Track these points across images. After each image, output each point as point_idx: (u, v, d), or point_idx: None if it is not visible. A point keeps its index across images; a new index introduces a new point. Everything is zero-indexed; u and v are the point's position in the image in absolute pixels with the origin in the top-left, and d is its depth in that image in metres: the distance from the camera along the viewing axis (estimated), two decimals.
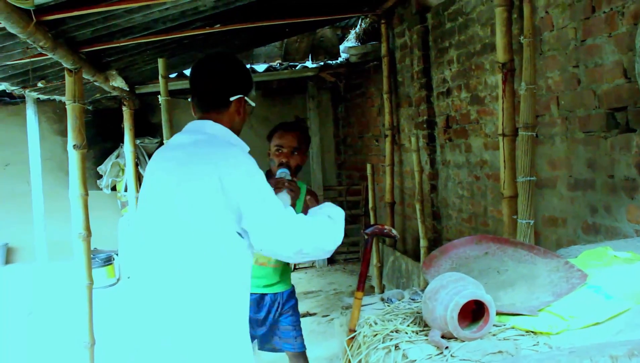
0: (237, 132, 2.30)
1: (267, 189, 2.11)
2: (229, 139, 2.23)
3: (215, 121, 2.24)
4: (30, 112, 6.95)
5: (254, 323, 3.12)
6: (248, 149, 2.27)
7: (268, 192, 2.10)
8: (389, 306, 2.21)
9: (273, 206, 2.08)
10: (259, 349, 3.40)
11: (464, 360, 1.62)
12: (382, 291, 5.68)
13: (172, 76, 7.37)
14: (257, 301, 3.22)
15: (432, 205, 6.16)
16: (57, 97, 6.45)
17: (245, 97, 2.28)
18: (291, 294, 3.39)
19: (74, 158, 4.03)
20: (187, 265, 2.06)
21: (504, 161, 3.64)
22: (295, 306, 3.41)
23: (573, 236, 3.68)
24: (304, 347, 3.37)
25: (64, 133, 8.35)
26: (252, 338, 3.09)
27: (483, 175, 5.04)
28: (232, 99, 2.24)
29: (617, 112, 3.23)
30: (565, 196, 3.77)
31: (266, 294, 3.27)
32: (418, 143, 6.02)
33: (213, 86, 2.26)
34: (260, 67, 8.37)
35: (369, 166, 6.87)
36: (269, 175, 3.08)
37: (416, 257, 6.29)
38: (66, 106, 4.02)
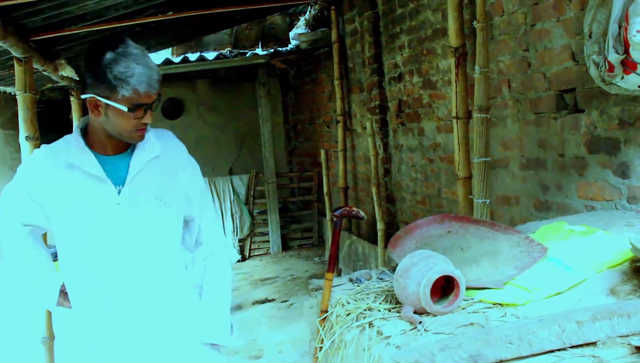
0: (115, 136, 2.05)
1: None
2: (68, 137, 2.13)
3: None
4: None
5: None
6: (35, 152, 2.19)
7: None
8: (358, 286, 2.27)
9: None
10: None
11: (437, 333, 1.69)
12: (339, 275, 5.76)
13: None
14: None
15: (386, 189, 6.26)
16: (0, 88, 6.28)
17: (99, 98, 1.94)
18: None
19: (26, 149, 3.93)
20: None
21: (458, 144, 3.74)
22: None
23: (526, 214, 3.82)
24: None
25: (5, 125, 8.14)
26: None
27: (436, 158, 5.15)
28: (83, 97, 1.99)
29: (566, 93, 3.36)
30: (517, 176, 3.90)
31: None
32: (372, 127, 6.09)
33: None
34: (211, 55, 8.30)
35: (322, 152, 6.94)
36: None
37: (372, 240, 6.39)
38: (17, 97, 3.92)
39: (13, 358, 4.93)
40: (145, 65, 1.93)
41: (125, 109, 1.92)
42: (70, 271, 2.15)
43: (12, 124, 7.57)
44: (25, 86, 3.88)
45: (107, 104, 1.93)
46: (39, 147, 3.86)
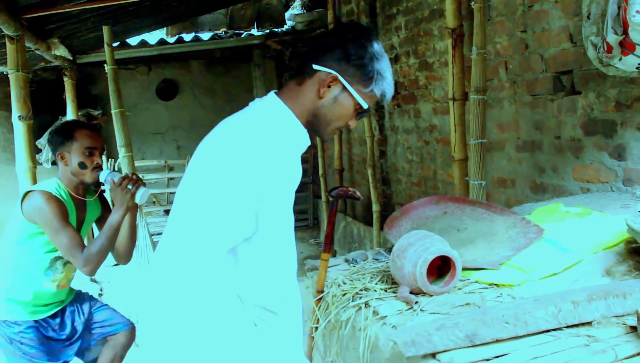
0: (316, 125, 1.73)
1: None
2: (271, 124, 1.66)
3: (284, 93, 1.75)
4: None
5: (62, 346, 2.94)
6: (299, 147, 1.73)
7: None
8: (354, 266, 2.27)
9: None
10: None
11: (433, 313, 1.70)
12: (334, 256, 5.78)
13: (114, 45, 7.20)
14: (60, 320, 2.96)
15: (381, 171, 6.26)
16: None
17: (342, 79, 1.68)
18: (79, 293, 3.17)
19: (19, 129, 3.90)
20: None
21: (454, 125, 3.72)
22: (91, 295, 3.24)
23: (522, 196, 3.83)
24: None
25: None
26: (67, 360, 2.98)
27: (432, 139, 5.14)
28: (316, 67, 1.68)
29: (563, 75, 3.35)
30: (513, 158, 3.90)
31: (65, 307, 3.01)
32: None
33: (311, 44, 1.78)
34: (206, 36, 8.25)
35: None
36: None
37: (367, 222, 6.40)
38: (9, 76, 3.89)
39: None
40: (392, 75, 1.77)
41: (365, 106, 1.71)
42: None
43: (5, 105, 7.51)
44: (17, 65, 3.85)
45: (345, 90, 1.69)
46: (31, 126, 3.89)
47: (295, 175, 1.69)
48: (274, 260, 1.63)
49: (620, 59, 2.44)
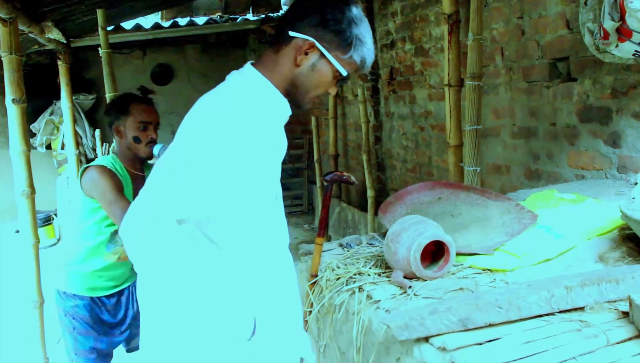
0: (295, 93, 1.69)
1: None
2: (249, 96, 1.63)
3: (261, 63, 1.70)
4: None
5: (112, 330, 2.94)
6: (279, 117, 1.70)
7: None
8: (348, 251, 2.27)
9: None
10: (129, 351, 3.15)
11: (427, 297, 1.70)
12: (329, 241, 5.78)
13: (109, 29, 7.15)
14: (116, 302, 2.94)
15: (376, 156, 6.26)
16: None
17: (319, 46, 1.62)
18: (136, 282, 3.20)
19: (13, 112, 3.88)
20: None
21: (450, 111, 3.71)
22: None
23: (516, 182, 3.83)
24: None
25: None
26: (112, 347, 2.98)
27: (427, 126, 5.14)
28: (292, 34, 1.63)
29: (560, 62, 3.34)
30: (508, 144, 3.90)
31: (124, 289, 2.97)
32: (364, 94, 6.07)
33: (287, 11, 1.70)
34: (201, 20, 8.20)
35: (313, 119, 6.92)
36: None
37: (361, 208, 6.41)
38: (2, 59, 3.86)
39: (7, 323, 4.94)
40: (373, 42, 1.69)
41: (345, 73, 1.65)
42: None
43: None
44: (10, 48, 3.82)
45: (323, 57, 1.63)
46: (25, 110, 3.87)
47: (280, 145, 1.68)
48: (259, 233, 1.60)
49: (616, 46, 2.44)
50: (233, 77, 1.70)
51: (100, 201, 2.67)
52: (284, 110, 1.69)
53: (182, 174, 1.53)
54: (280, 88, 1.67)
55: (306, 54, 1.62)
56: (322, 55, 1.62)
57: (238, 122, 1.54)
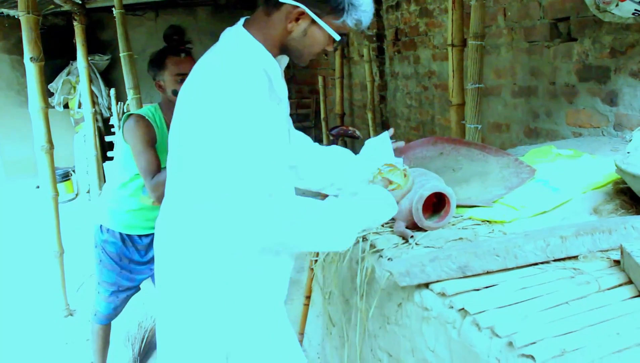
0: (290, 54, 1.68)
1: None
2: (237, 56, 1.61)
3: (253, 24, 1.66)
4: None
5: (140, 268, 3.04)
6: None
7: None
8: None
9: None
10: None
11: (428, 247, 1.77)
12: None
13: None
14: (149, 242, 3.00)
15: (381, 115, 6.31)
16: (4, 11, 6.19)
17: (309, 12, 1.58)
18: None
19: (31, 70, 3.95)
20: None
21: (453, 71, 3.75)
22: None
23: (516, 140, 3.89)
24: None
25: (11, 50, 8.06)
26: (136, 282, 3.08)
27: (431, 85, 5.18)
28: (282, 0, 1.58)
29: (560, 22, 3.37)
30: (509, 103, 3.95)
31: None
32: (370, 54, 6.11)
33: None
34: None
35: (320, 79, 6.98)
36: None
37: None
38: (20, 18, 3.91)
39: (30, 273, 5.06)
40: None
41: (338, 38, 1.61)
42: None
43: (17, 50, 7.50)
44: (28, 7, 3.88)
45: (314, 23, 1.59)
46: (42, 68, 3.92)
47: (281, 100, 1.69)
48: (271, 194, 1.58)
49: (617, 5, 2.47)
50: (227, 40, 1.68)
51: (132, 149, 2.73)
52: (277, 71, 1.66)
53: (218, 166, 1.52)
54: (273, 50, 1.64)
55: (297, 20, 1.58)
56: (314, 21, 1.58)
57: (248, 98, 1.51)
